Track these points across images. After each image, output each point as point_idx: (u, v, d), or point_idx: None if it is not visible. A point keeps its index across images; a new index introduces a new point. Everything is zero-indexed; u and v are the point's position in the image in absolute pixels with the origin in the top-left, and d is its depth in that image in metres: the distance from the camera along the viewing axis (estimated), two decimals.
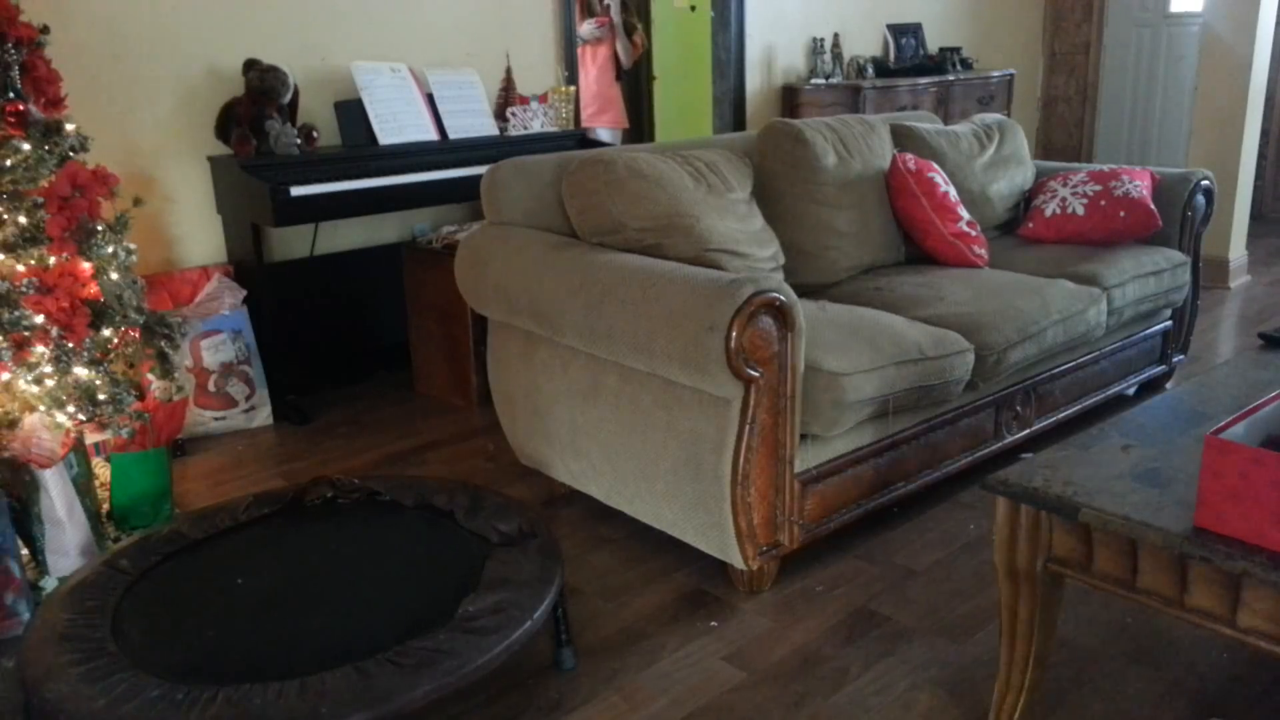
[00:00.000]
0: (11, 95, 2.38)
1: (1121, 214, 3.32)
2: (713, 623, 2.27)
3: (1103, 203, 3.36)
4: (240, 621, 1.87)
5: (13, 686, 1.96)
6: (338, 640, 1.78)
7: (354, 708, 1.58)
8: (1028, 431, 3.00)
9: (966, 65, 6.14)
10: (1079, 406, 3.19)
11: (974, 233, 3.26)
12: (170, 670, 1.70)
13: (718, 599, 2.36)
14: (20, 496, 2.34)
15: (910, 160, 3.26)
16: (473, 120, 3.94)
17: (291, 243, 3.76)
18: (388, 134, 3.68)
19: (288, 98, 3.50)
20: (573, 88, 4.38)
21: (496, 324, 2.80)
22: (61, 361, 2.38)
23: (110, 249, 2.50)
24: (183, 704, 1.59)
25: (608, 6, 5.48)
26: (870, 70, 5.68)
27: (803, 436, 2.33)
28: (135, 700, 1.60)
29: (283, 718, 1.56)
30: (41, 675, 1.68)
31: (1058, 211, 3.45)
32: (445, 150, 3.83)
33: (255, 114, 3.44)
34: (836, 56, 5.61)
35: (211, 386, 3.42)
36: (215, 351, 3.42)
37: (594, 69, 5.50)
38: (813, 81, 5.47)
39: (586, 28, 5.39)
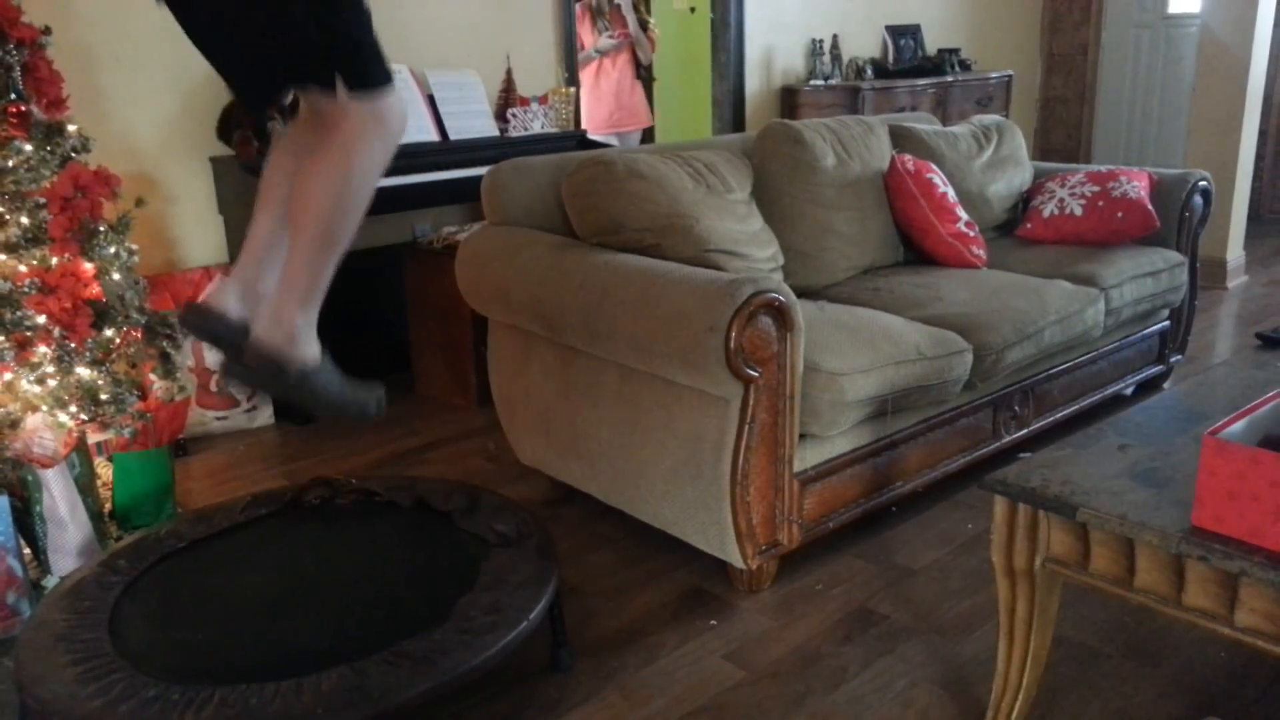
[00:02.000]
0: (13, 96, 2.39)
1: (1119, 214, 3.33)
2: (712, 621, 2.27)
3: (1101, 203, 3.36)
4: (237, 622, 1.87)
5: (12, 686, 1.96)
6: (334, 641, 1.78)
7: (350, 708, 1.58)
8: (1026, 431, 3.01)
9: (965, 66, 6.15)
10: (1077, 406, 3.19)
11: (972, 233, 3.26)
12: (167, 671, 1.69)
13: (717, 598, 2.36)
14: (22, 496, 2.34)
15: (909, 161, 3.26)
16: (473, 121, 3.94)
17: None
18: None
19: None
20: (573, 89, 4.38)
21: (496, 324, 2.80)
22: (64, 362, 2.39)
23: (112, 249, 2.51)
24: (179, 705, 1.59)
25: (618, 6, 5.37)
26: (869, 71, 5.69)
27: (802, 436, 2.33)
28: (131, 701, 1.60)
29: (279, 718, 1.56)
30: (37, 675, 1.68)
31: (1056, 212, 3.45)
32: (446, 151, 3.83)
33: (257, 115, 3.45)
34: (835, 58, 5.62)
35: (213, 386, 3.43)
36: (217, 351, 3.42)
37: (614, 73, 5.36)
38: (812, 83, 5.48)
39: (604, 41, 5.24)
